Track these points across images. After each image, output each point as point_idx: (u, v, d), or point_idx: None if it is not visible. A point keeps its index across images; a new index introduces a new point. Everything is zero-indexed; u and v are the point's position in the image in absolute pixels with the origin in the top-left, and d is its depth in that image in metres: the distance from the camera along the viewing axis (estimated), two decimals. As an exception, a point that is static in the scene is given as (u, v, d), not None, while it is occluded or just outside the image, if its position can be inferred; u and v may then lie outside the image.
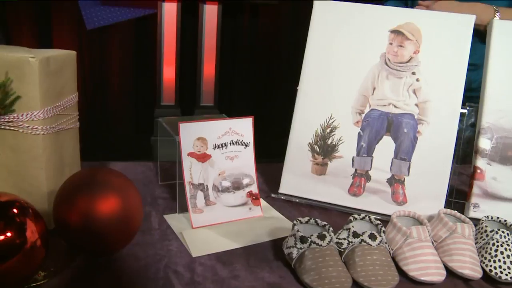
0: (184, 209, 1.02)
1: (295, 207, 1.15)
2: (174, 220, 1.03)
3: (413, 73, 1.13)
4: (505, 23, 1.17)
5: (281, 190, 1.19)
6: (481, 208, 1.12)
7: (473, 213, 1.12)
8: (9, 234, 0.69)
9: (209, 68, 3.40)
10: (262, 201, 1.14)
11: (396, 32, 1.15)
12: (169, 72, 3.30)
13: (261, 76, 3.82)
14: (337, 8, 1.20)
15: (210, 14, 3.31)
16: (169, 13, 3.20)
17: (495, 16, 1.34)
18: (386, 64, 1.15)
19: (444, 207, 1.10)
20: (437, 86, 1.12)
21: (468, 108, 1.15)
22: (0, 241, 0.68)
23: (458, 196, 1.16)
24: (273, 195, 1.19)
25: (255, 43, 3.79)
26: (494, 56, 1.14)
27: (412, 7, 1.51)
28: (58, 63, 0.92)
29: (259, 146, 1.11)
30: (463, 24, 1.13)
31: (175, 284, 0.80)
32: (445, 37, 1.13)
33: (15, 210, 0.72)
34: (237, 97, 3.87)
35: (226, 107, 3.61)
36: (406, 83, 1.13)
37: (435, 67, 1.13)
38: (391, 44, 1.15)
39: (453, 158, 1.13)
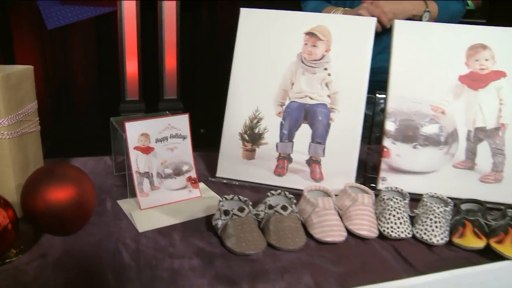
0: (134, 194, 1.20)
1: (230, 188, 1.33)
2: (125, 204, 1.21)
3: (325, 69, 1.33)
4: (404, 23, 1.37)
5: (218, 174, 1.38)
6: (388, 180, 1.33)
7: (381, 186, 1.32)
8: (-16, 219, 0.87)
9: (170, 62, 3.48)
10: (201, 184, 1.32)
11: (310, 34, 1.34)
12: (132, 68, 3.37)
13: (221, 67, 3.97)
14: (260, 14, 1.39)
15: (169, 10, 3.37)
16: (129, 10, 3.27)
17: (426, 8, 1.55)
18: (302, 62, 1.34)
19: (362, 181, 1.31)
20: (345, 79, 1.31)
21: (382, 95, 1.36)
22: (-22, 225, 0.87)
23: (373, 172, 1.37)
24: (210, 179, 1.37)
25: (215, 36, 3.90)
26: (396, 51, 1.34)
27: (352, 5, 1.68)
28: (18, 78, 1.09)
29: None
30: (365, 26, 1.33)
31: (123, 253, 0.99)
32: (350, 37, 1.32)
33: (-12, 201, 0.91)
34: (200, 88, 3.99)
35: (190, 99, 3.72)
36: (319, 77, 1.33)
37: (343, 63, 1.32)
38: (306, 44, 1.34)
39: (367, 139, 1.34)
